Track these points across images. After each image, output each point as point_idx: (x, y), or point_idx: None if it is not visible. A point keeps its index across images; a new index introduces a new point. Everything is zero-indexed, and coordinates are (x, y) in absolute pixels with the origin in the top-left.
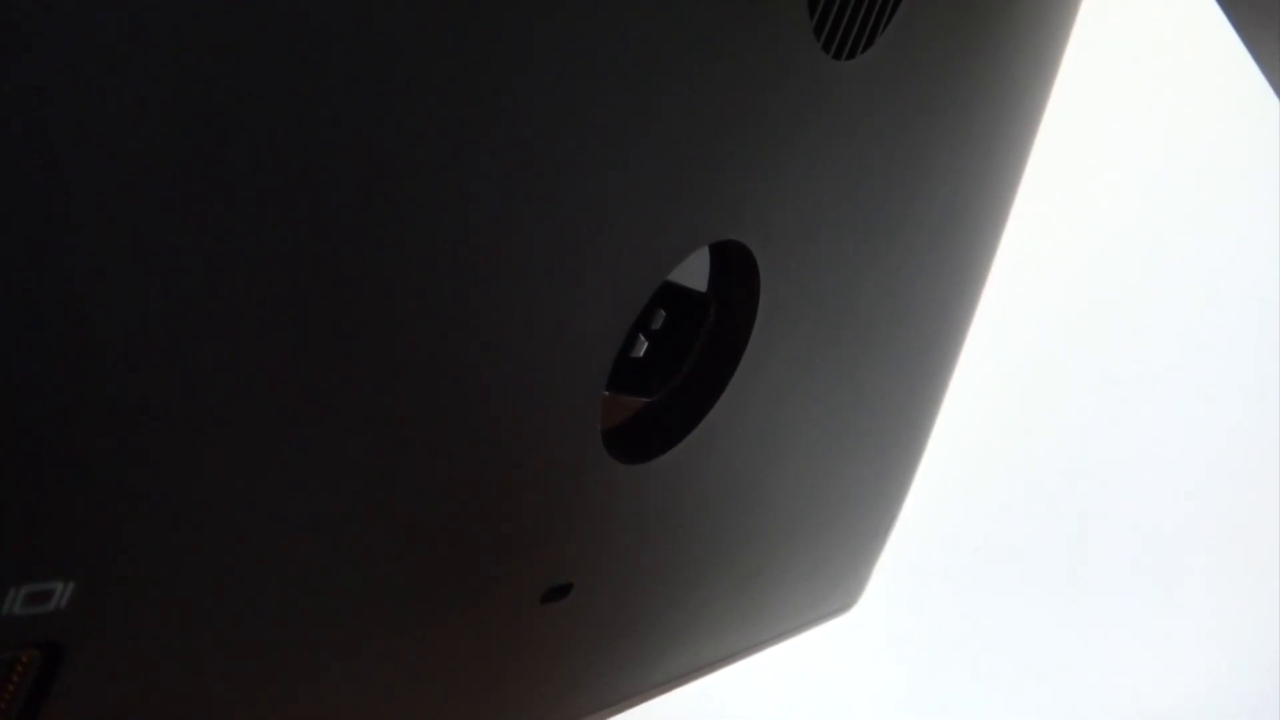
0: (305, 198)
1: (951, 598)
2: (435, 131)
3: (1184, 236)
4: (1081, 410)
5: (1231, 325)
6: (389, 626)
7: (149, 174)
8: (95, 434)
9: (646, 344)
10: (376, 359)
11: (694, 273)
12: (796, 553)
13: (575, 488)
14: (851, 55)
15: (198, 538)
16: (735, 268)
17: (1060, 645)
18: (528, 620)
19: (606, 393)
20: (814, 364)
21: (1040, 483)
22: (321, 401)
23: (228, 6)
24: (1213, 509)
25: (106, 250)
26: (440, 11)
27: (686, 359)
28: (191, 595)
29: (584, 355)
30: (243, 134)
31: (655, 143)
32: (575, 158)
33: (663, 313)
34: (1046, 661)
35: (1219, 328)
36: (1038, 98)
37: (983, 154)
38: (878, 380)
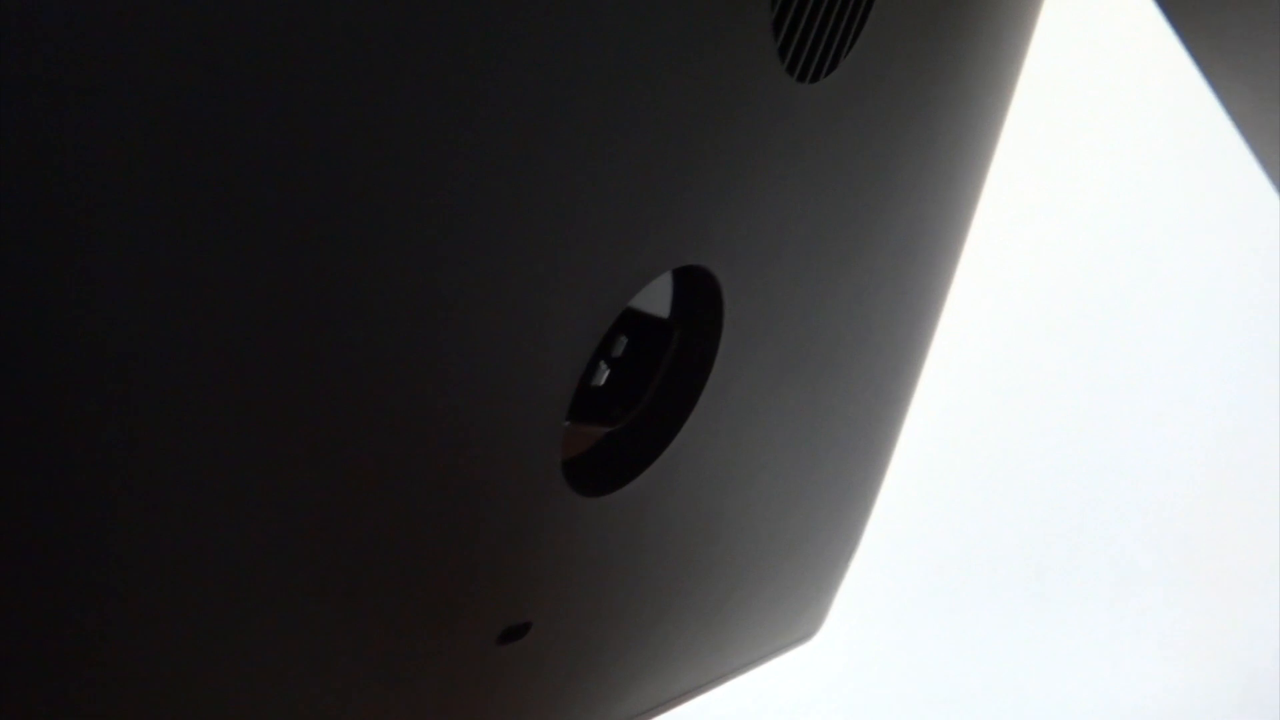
0: (277, 219)
1: (915, 621)
2: (399, 157)
3: (1145, 257)
4: (1043, 429)
5: (1196, 346)
6: (335, 678)
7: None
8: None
9: (608, 371)
10: (330, 386)
11: (656, 298)
12: (760, 582)
13: (534, 522)
14: (816, 78)
15: (157, 569)
16: (699, 292)
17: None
18: (485, 663)
19: (567, 423)
20: (778, 388)
21: (1001, 508)
22: (273, 430)
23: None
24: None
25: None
26: (406, 35)
27: (649, 386)
28: (151, 624)
29: (545, 384)
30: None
31: (619, 167)
32: (536, 183)
33: (625, 339)
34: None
35: (1180, 346)
36: (996, 117)
37: (944, 173)
38: (841, 403)
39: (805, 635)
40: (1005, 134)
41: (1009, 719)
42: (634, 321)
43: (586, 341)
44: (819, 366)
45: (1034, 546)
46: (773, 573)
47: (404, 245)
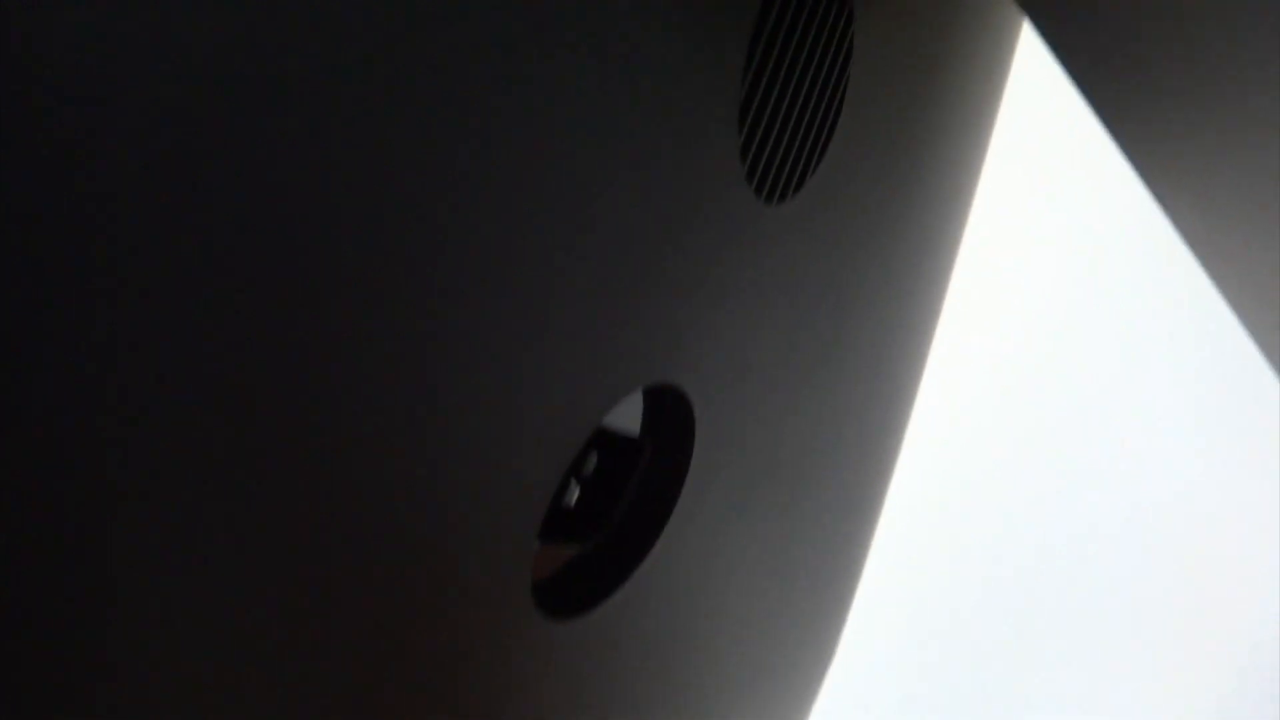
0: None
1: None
2: (376, 269)
3: (1103, 340)
4: (1015, 536)
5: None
6: None
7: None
8: None
9: (578, 490)
10: (298, 503)
11: (625, 414)
12: (735, 700)
13: (504, 648)
14: (782, 198)
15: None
16: (670, 410)
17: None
18: None
19: (537, 544)
20: (749, 504)
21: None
22: (235, 542)
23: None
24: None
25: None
26: (392, 144)
27: (619, 505)
28: None
29: (516, 506)
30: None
31: (590, 287)
32: (508, 303)
33: (595, 457)
34: None
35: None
36: (957, 228)
37: (909, 285)
38: (813, 516)
39: None
40: (965, 242)
41: None
42: (604, 439)
43: (559, 462)
44: (790, 481)
45: (1008, 658)
46: (748, 690)
47: (377, 368)
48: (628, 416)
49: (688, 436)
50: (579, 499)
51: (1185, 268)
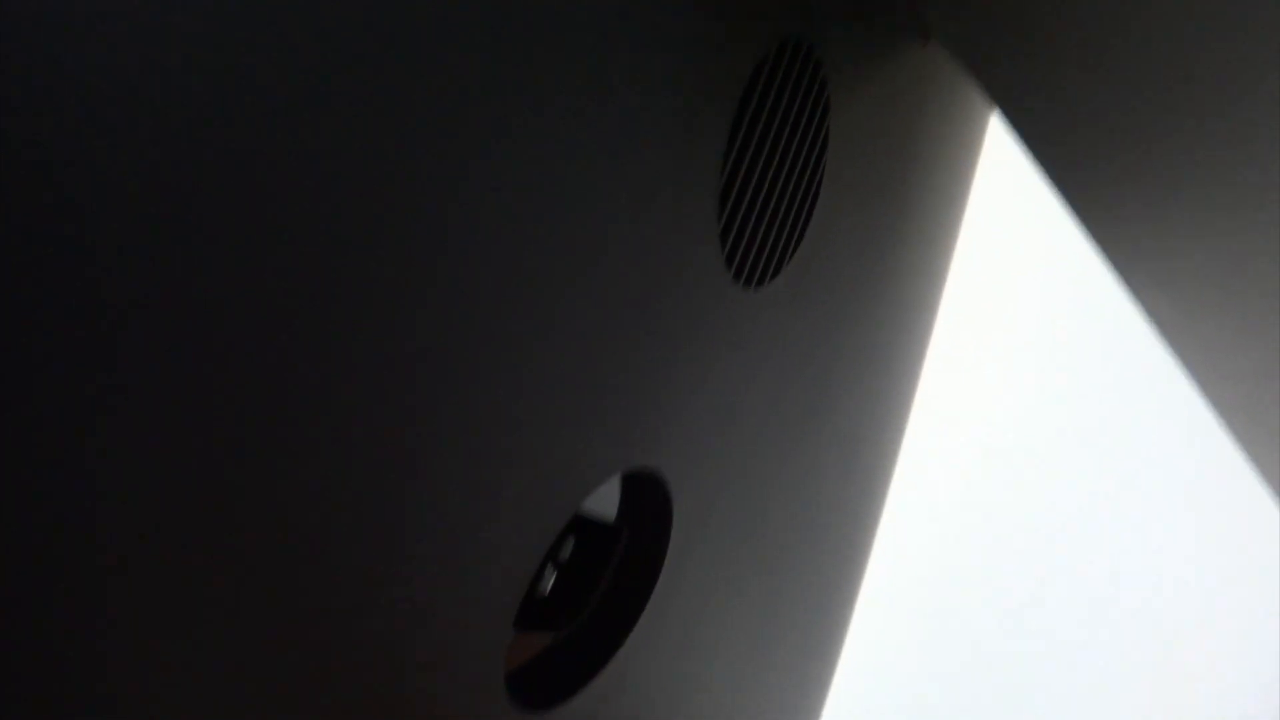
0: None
1: None
2: (361, 360)
3: (1077, 416)
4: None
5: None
6: None
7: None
8: None
9: (554, 576)
10: (273, 596)
11: (602, 497)
12: None
13: None
14: (760, 283)
15: None
16: (648, 494)
17: None
18: None
19: (513, 632)
20: (727, 587)
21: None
22: (209, 639)
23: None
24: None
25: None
26: (379, 240)
27: (596, 590)
28: None
29: (492, 594)
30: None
31: (570, 375)
32: (488, 391)
33: (572, 542)
34: None
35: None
36: (930, 309)
37: (883, 365)
38: (792, 593)
39: None
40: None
41: None
42: (581, 523)
43: (535, 550)
44: (769, 561)
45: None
46: None
47: (357, 454)
48: (605, 499)
49: (666, 519)
50: (554, 585)
51: (1151, 345)
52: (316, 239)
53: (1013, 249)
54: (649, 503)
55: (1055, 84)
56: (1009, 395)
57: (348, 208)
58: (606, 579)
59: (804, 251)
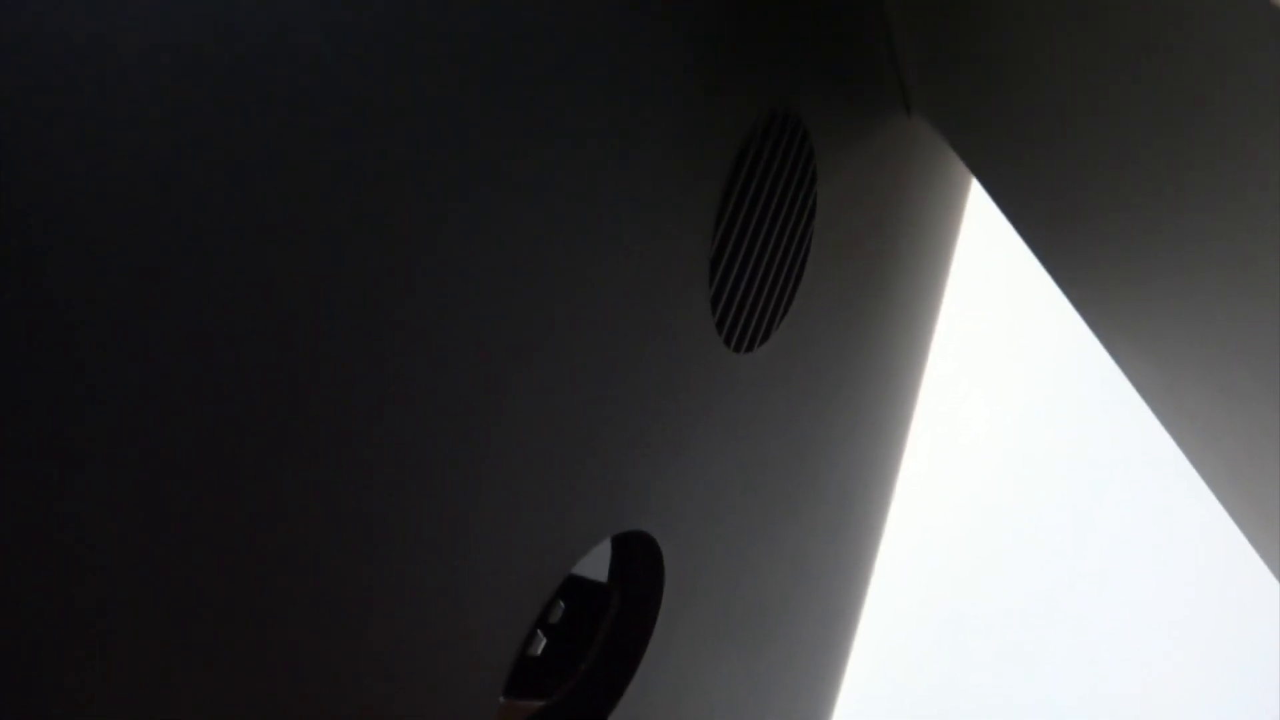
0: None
1: None
2: (356, 431)
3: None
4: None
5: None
6: None
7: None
8: None
9: (545, 641)
10: (261, 669)
11: (593, 556)
12: None
13: None
14: (750, 349)
15: None
16: (639, 557)
17: None
18: None
19: (502, 699)
20: (717, 651)
21: None
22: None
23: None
24: None
25: None
26: (383, 309)
27: (587, 655)
28: None
29: (481, 660)
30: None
31: (564, 440)
32: (480, 457)
33: (562, 605)
34: None
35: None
36: (916, 370)
37: (871, 429)
38: (783, 652)
39: None
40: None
41: None
42: (571, 585)
43: (527, 613)
44: (761, 620)
45: None
46: None
47: (345, 520)
48: (595, 558)
49: (657, 583)
50: (545, 649)
51: (1136, 408)
52: (327, 337)
53: (996, 311)
54: (640, 563)
55: (1030, 153)
56: (994, 456)
57: (341, 296)
58: (598, 641)
59: (793, 316)
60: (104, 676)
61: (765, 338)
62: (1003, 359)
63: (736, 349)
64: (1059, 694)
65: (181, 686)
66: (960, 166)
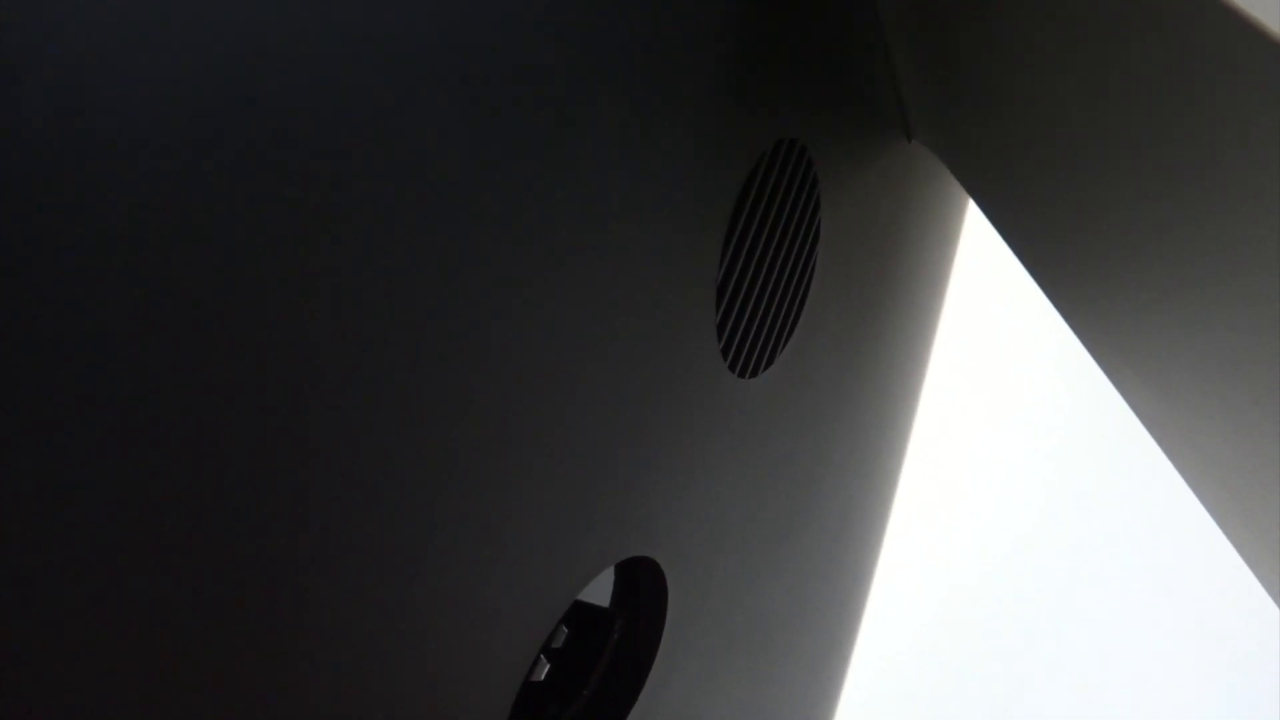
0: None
1: None
2: (365, 466)
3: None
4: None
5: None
6: None
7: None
8: None
9: (548, 666)
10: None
11: (596, 581)
12: None
13: None
14: (755, 373)
15: None
16: (643, 582)
17: None
18: None
19: None
20: (720, 673)
21: None
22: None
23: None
24: None
25: None
26: (394, 339)
27: (590, 679)
28: None
29: (485, 690)
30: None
31: (573, 469)
32: (489, 485)
33: (565, 631)
34: None
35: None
36: (915, 391)
37: (871, 449)
38: (783, 675)
39: None
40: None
41: None
42: (574, 611)
43: (532, 640)
44: (762, 643)
45: None
46: None
47: (354, 553)
48: (598, 583)
49: (660, 608)
50: (548, 674)
51: (1132, 424)
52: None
53: (991, 329)
54: (644, 587)
55: (1025, 175)
56: (991, 475)
57: (357, 308)
58: (602, 666)
59: (796, 340)
60: (129, 676)
61: (769, 362)
62: (998, 376)
63: (741, 374)
64: (1062, 706)
65: (181, 692)
66: (958, 190)
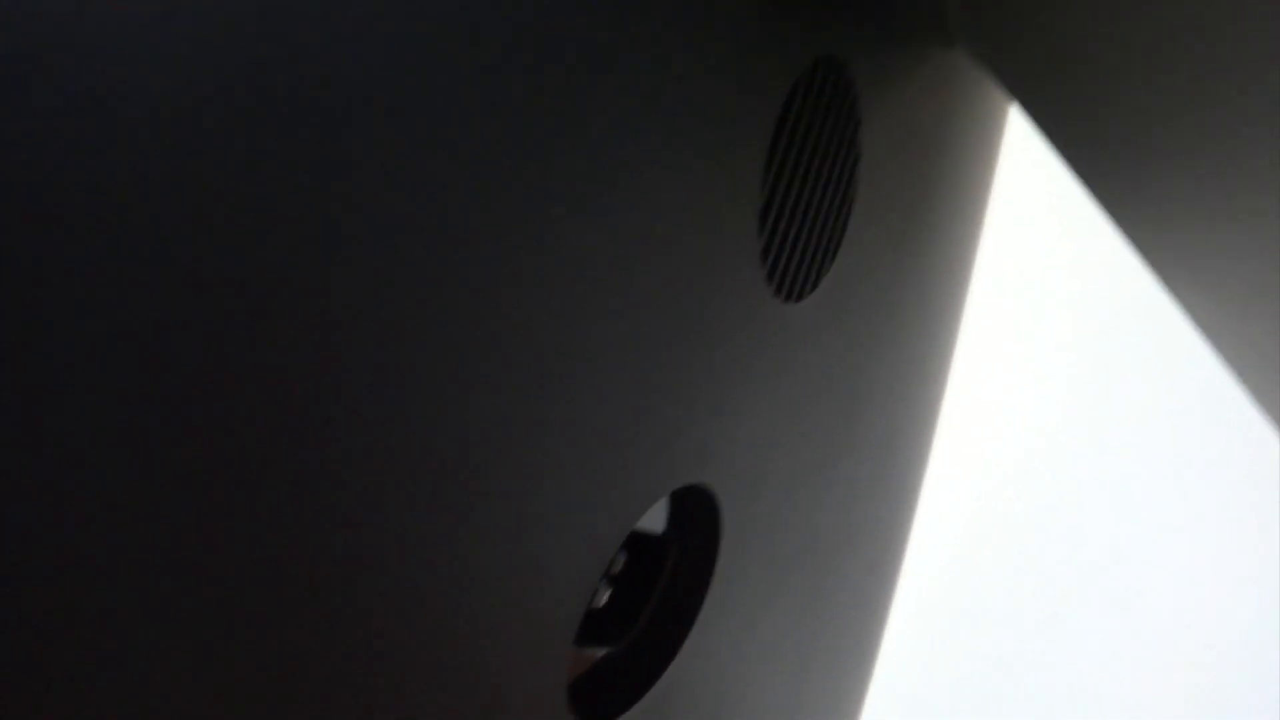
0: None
1: None
2: (417, 391)
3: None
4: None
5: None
6: None
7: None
8: None
9: (608, 591)
10: (347, 612)
11: (651, 510)
12: None
13: None
14: (800, 298)
15: None
16: (697, 510)
17: None
18: None
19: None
20: (774, 596)
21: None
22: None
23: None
24: None
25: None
26: (432, 272)
27: (648, 603)
28: None
29: (554, 612)
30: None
31: (625, 395)
32: (545, 416)
33: (624, 556)
34: None
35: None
36: (958, 309)
37: (916, 368)
38: (833, 601)
39: None
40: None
41: None
42: (631, 538)
43: (595, 567)
44: (812, 569)
45: None
46: None
47: (420, 481)
48: (653, 512)
49: (714, 533)
50: (608, 599)
51: (1191, 340)
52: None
53: (1037, 242)
54: (698, 516)
55: (1072, 75)
56: (1038, 394)
57: (422, 233)
58: (658, 592)
59: (840, 262)
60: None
61: (814, 286)
62: (1043, 293)
63: (786, 298)
64: (1100, 635)
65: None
66: (999, 99)
